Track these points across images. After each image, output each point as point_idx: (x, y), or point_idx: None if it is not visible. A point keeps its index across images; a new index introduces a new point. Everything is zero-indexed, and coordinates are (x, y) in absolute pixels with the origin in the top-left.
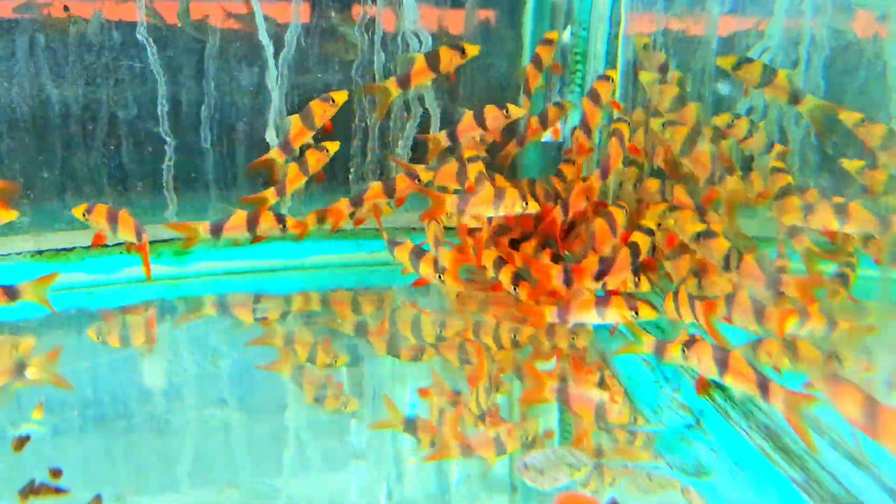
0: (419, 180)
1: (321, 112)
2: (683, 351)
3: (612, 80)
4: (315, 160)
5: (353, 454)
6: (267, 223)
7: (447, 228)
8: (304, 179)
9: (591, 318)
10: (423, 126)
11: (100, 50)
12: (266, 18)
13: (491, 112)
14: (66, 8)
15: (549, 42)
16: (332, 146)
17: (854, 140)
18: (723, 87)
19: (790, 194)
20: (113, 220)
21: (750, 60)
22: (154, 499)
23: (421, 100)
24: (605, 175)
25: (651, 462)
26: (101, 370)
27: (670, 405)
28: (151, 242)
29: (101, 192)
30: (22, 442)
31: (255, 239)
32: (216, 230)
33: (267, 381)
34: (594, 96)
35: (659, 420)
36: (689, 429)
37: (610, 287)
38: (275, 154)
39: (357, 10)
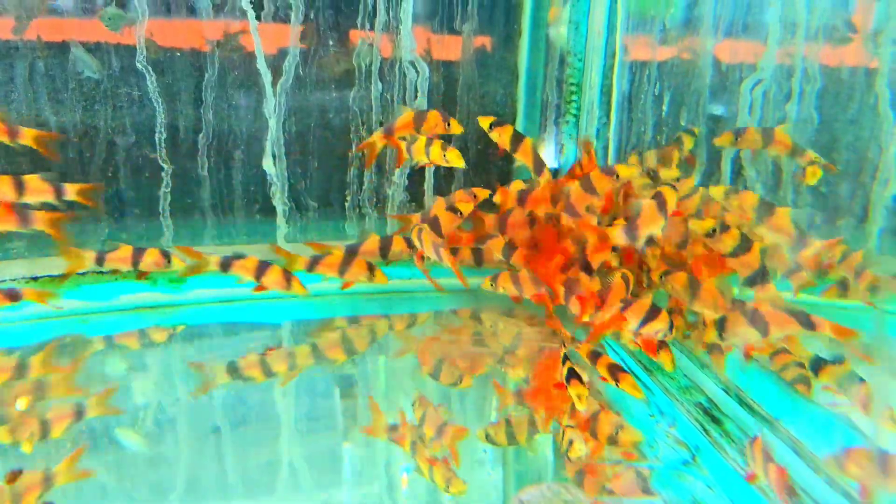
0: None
1: (433, 123)
2: None
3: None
4: (452, 156)
5: (346, 479)
6: (398, 247)
7: None
8: (404, 159)
9: None
10: None
11: (98, 77)
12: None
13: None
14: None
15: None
16: (481, 193)
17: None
18: (717, 110)
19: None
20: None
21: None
22: None
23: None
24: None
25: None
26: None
27: (666, 440)
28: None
29: (98, 218)
30: (15, 476)
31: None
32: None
33: (260, 408)
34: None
35: (655, 455)
36: (685, 465)
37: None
38: (377, 137)
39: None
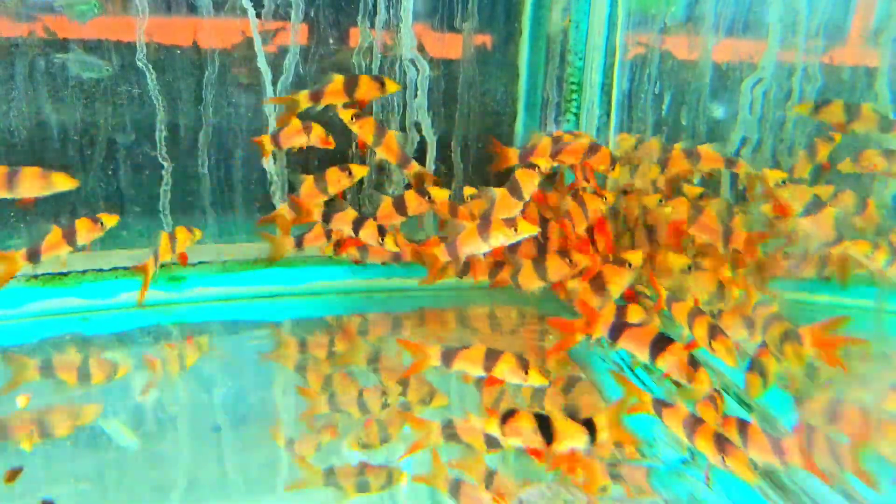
0: None
1: (366, 88)
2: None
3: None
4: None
5: None
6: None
7: None
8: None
9: None
10: (419, 152)
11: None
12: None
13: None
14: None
15: None
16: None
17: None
18: (716, 111)
19: None
20: None
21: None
22: None
23: (417, 126)
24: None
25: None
26: (93, 397)
27: (665, 439)
28: None
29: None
30: (14, 473)
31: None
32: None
33: (261, 407)
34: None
35: (654, 454)
36: (684, 464)
37: None
38: (301, 97)
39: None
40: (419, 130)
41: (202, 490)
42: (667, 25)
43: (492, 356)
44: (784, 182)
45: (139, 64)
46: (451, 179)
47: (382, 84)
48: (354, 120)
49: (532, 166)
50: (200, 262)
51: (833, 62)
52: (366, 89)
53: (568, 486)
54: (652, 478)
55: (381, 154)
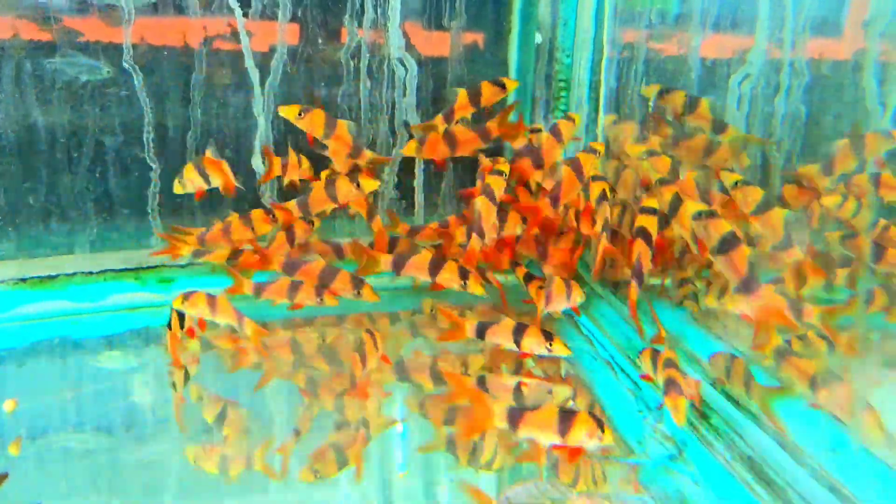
0: None
1: (489, 94)
2: None
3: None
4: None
5: (342, 477)
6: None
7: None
8: None
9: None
10: None
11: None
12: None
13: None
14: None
15: None
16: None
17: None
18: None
19: None
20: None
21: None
22: None
23: (407, 125)
24: (555, 203)
25: (634, 494)
26: (85, 400)
27: (653, 436)
28: (136, 269)
29: (87, 218)
30: (1, 479)
31: None
32: None
33: (252, 408)
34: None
35: (642, 451)
36: (672, 460)
37: None
38: (438, 121)
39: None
40: (408, 128)
41: (194, 491)
42: (653, 22)
43: (566, 418)
44: (737, 184)
45: (126, 66)
46: (441, 179)
47: (503, 86)
48: (302, 115)
49: (499, 172)
50: (190, 264)
51: (822, 57)
52: (489, 94)
53: (555, 485)
54: (640, 474)
55: (332, 146)
